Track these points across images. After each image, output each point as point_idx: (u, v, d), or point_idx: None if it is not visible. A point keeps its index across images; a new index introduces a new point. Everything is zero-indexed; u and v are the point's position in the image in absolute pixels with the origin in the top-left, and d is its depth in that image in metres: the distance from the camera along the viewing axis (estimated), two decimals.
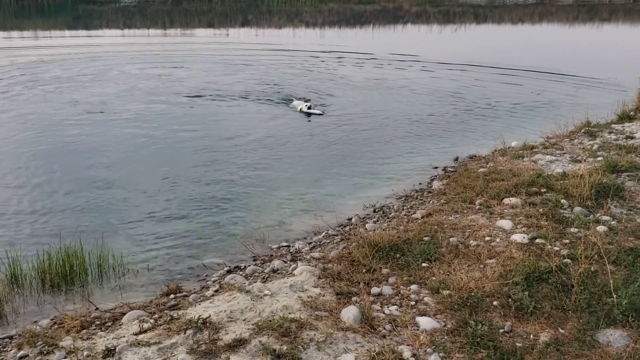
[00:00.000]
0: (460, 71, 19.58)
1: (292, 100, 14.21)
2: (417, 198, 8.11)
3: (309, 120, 12.57)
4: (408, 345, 4.39)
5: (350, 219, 7.50)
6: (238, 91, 15.31)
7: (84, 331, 4.60)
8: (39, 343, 4.42)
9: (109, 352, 4.13)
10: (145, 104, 13.74)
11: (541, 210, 6.67)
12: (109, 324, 4.77)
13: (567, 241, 5.87)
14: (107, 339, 4.39)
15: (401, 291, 5.22)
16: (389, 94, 15.89)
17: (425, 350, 4.32)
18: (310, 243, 6.71)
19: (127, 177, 8.85)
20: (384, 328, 4.64)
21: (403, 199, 8.21)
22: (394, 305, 5.00)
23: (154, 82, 16.46)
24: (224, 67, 19.48)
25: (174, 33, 32.74)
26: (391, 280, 5.43)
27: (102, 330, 4.62)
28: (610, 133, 9.85)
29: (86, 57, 20.99)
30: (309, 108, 13.00)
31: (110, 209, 7.67)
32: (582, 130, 10.04)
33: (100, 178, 8.80)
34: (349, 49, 24.46)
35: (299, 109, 13.19)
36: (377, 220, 7.33)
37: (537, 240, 5.91)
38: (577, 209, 6.62)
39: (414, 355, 4.24)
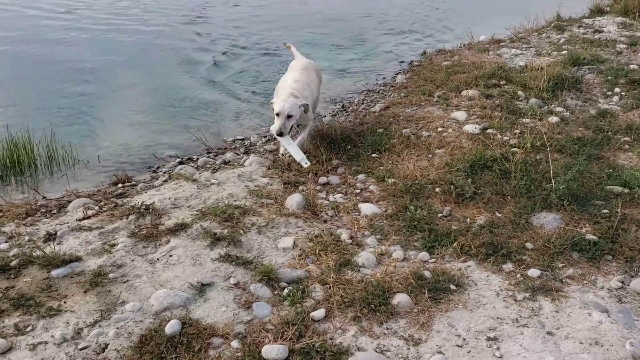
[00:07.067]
0: None
1: None
2: (379, 92, 8.03)
3: None
4: (347, 228, 4.50)
5: None
6: None
7: (29, 218, 4.64)
8: None
9: (50, 236, 4.18)
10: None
11: (497, 102, 6.65)
12: (55, 211, 4.80)
13: (518, 131, 5.91)
14: (51, 225, 4.44)
15: (348, 180, 5.28)
16: None
17: (363, 233, 4.44)
18: (265, 136, 6.68)
19: (82, 71, 8.53)
20: (326, 214, 4.73)
21: (365, 93, 8.13)
22: (339, 193, 5.07)
23: None
24: None
25: None
26: (340, 170, 5.47)
27: (47, 218, 4.66)
28: (579, 27, 9.67)
29: None
30: None
31: (63, 102, 7.43)
32: (552, 25, 9.84)
33: (52, 72, 8.48)
34: None
35: None
36: (336, 114, 7.29)
37: (488, 131, 5.94)
38: (533, 100, 6.62)
39: (351, 237, 4.35)
